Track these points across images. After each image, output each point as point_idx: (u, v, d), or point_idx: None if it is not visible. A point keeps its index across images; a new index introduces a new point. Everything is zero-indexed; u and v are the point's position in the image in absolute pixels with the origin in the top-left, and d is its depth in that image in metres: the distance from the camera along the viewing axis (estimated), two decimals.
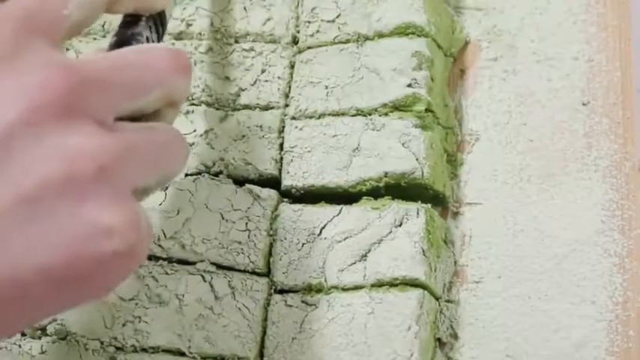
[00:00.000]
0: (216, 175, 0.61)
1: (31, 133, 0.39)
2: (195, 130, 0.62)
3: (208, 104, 0.63)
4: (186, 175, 0.61)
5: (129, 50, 0.46)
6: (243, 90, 0.63)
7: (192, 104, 0.63)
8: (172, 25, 0.66)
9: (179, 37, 0.66)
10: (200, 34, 0.65)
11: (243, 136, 0.62)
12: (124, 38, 0.49)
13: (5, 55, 0.40)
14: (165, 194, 0.60)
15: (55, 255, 0.38)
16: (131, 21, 0.50)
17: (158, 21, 0.52)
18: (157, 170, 0.44)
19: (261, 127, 0.62)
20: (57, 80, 0.40)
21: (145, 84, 0.44)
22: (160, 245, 0.59)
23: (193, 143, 0.62)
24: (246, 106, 0.63)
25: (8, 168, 0.38)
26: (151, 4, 0.50)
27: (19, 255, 0.38)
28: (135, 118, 0.44)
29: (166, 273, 0.58)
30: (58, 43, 0.42)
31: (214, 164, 0.61)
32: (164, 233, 0.59)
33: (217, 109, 0.63)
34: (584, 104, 0.62)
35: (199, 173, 0.61)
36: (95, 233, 0.39)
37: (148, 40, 0.50)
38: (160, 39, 0.52)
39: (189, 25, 0.66)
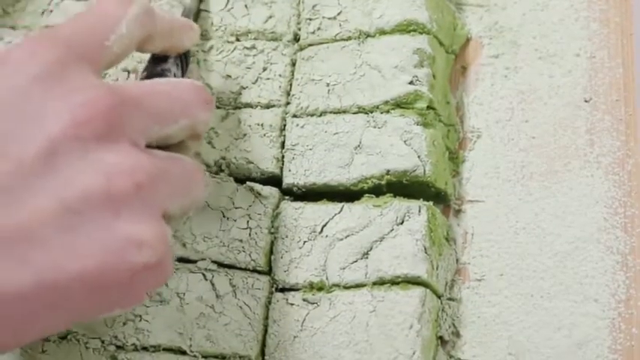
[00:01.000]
0: (217, 173, 0.61)
1: (75, 147, 0.42)
2: None
3: None
4: None
5: (160, 81, 0.50)
6: (244, 88, 0.63)
7: None
8: None
9: None
10: (202, 33, 0.65)
11: (245, 134, 0.61)
12: (154, 73, 0.54)
13: (53, 76, 0.43)
14: None
15: (92, 263, 0.41)
16: (160, 58, 0.54)
17: (184, 59, 0.57)
18: (183, 196, 0.47)
19: (262, 125, 0.61)
20: (100, 100, 0.43)
21: (174, 112, 0.48)
22: None
23: None
24: (248, 105, 0.63)
25: (53, 179, 0.41)
26: (179, 46, 0.55)
27: (58, 260, 0.40)
28: (161, 147, 0.47)
29: None
30: (98, 71, 0.46)
31: (215, 163, 0.61)
32: None
33: (218, 107, 0.63)
34: (586, 101, 0.62)
35: None
36: (128, 245, 0.42)
37: (175, 76, 0.54)
38: (183, 75, 0.57)
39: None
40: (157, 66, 0.54)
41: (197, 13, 0.65)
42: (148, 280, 0.44)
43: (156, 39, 0.51)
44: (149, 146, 0.46)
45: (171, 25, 0.53)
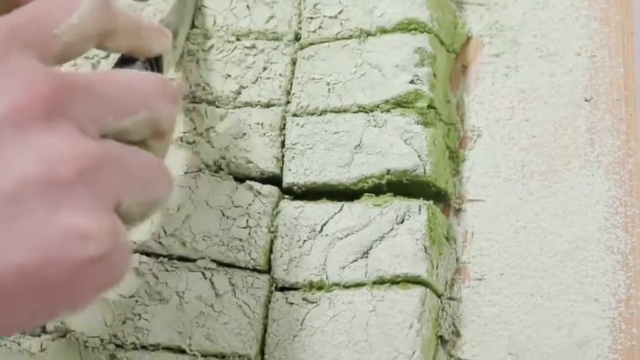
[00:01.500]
0: (217, 172, 0.61)
1: (12, 132, 0.38)
2: (195, 129, 0.62)
3: (209, 102, 0.63)
4: (186, 172, 0.61)
5: (117, 70, 0.46)
6: (244, 88, 0.63)
7: (194, 102, 0.63)
8: (172, 20, 0.66)
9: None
10: (203, 32, 0.65)
11: (244, 134, 0.61)
12: None
13: None
14: None
15: (31, 256, 0.37)
16: (127, 59, 0.51)
17: (154, 64, 0.52)
18: (140, 190, 0.44)
19: (262, 124, 0.61)
20: (41, 83, 0.40)
21: (132, 103, 0.44)
22: (160, 242, 0.58)
23: (194, 141, 0.61)
24: (248, 104, 0.63)
25: None
26: (146, 48, 0.51)
27: None
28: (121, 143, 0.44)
29: (166, 270, 0.58)
30: (47, 60, 0.43)
31: (215, 163, 0.61)
32: (164, 230, 0.59)
33: (218, 106, 0.63)
34: (586, 100, 0.62)
35: (200, 171, 0.61)
36: (70, 237, 0.38)
37: None
38: None
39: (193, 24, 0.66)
40: (123, 67, 0.51)
41: (176, 32, 0.62)
42: (96, 278, 0.40)
43: (118, 36, 0.48)
44: (105, 138, 0.43)
45: (138, 25, 0.50)
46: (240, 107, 0.63)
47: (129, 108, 0.44)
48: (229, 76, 0.64)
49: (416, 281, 0.55)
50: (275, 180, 0.60)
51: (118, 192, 0.41)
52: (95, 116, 0.42)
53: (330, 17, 0.64)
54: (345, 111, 0.61)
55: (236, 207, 0.59)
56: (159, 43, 0.52)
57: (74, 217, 0.38)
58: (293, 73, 0.63)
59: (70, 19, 0.44)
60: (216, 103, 0.63)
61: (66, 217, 0.38)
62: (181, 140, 0.62)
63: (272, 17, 0.65)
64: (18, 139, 0.38)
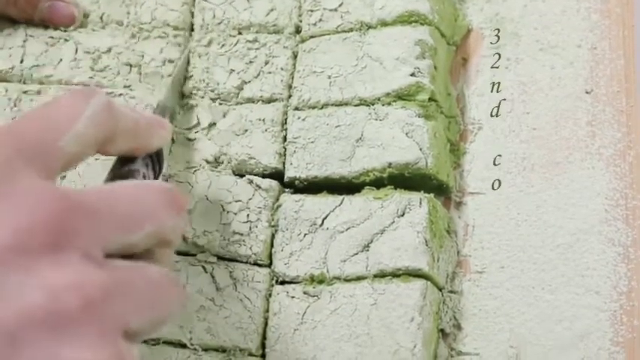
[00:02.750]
0: (216, 167, 0.61)
1: (16, 260, 0.37)
2: (198, 125, 0.62)
3: (212, 98, 0.63)
4: (186, 168, 0.61)
5: (122, 184, 0.45)
6: (246, 83, 0.63)
7: (196, 98, 0.63)
8: (172, 17, 0.66)
9: (181, 29, 0.66)
10: (203, 26, 0.65)
11: (246, 130, 0.61)
12: (120, 174, 0.48)
13: None
14: None
15: None
16: (126, 158, 0.49)
17: (155, 158, 0.51)
18: (149, 310, 0.42)
19: (264, 120, 0.61)
20: (47, 207, 0.38)
21: (138, 219, 0.42)
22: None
23: (195, 139, 0.61)
24: (250, 99, 0.63)
25: None
26: (147, 145, 0.50)
27: None
28: (126, 257, 0.42)
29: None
30: (51, 174, 0.42)
31: (217, 159, 0.60)
32: None
33: (221, 103, 0.63)
34: (587, 93, 0.62)
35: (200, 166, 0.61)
36: None
37: (144, 177, 0.49)
38: (156, 177, 0.52)
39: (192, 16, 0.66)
40: (123, 166, 0.49)
41: (173, 114, 0.61)
42: None
43: (118, 139, 0.46)
44: (110, 255, 0.41)
45: (137, 124, 0.48)
46: (242, 103, 0.63)
47: (135, 224, 0.42)
48: (233, 70, 0.63)
49: (417, 274, 0.55)
50: (278, 175, 0.60)
51: (125, 318, 0.39)
52: (101, 237, 0.40)
53: (331, 10, 0.64)
54: (346, 104, 0.61)
55: (236, 201, 0.59)
56: (159, 139, 0.50)
57: (79, 352, 0.36)
58: (294, 67, 0.63)
59: (74, 129, 0.43)
60: (219, 99, 0.63)
61: (70, 353, 0.36)
62: (184, 137, 0.62)
63: (272, 10, 0.65)
64: (21, 269, 0.37)
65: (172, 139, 0.61)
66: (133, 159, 0.49)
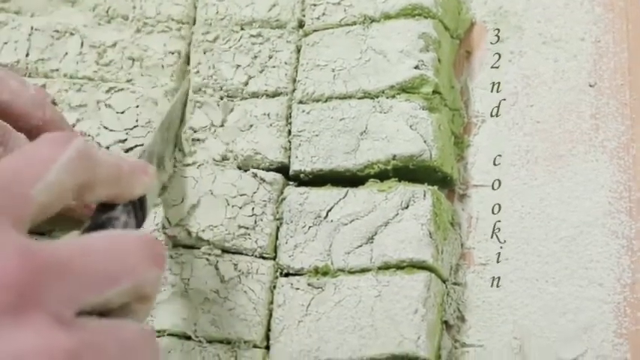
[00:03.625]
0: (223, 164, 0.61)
1: None
2: (212, 125, 0.62)
3: (221, 95, 0.63)
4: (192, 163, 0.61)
5: (97, 236, 0.42)
6: (252, 77, 0.63)
7: (203, 94, 0.63)
8: (177, 11, 0.66)
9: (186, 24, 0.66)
10: (206, 20, 0.65)
11: (251, 125, 0.61)
12: (98, 223, 0.46)
13: None
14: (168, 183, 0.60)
15: None
16: (106, 205, 0.46)
17: (138, 205, 0.49)
18: None
19: (268, 115, 0.61)
20: (13, 266, 0.36)
21: (112, 275, 0.40)
22: (165, 233, 0.58)
23: (205, 138, 0.61)
24: (254, 94, 0.63)
25: None
26: (129, 192, 0.47)
27: None
28: (100, 312, 0.40)
29: (171, 257, 0.58)
30: (22, 224, 0.39)
31: (223, 157, 0.61)
32: (169, 221, 0.59)
33: (229, 99, 0.63)
34: (591, 85, 0.62)
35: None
36: None
37: (125, 226, 0.46)
38: (139, 224, 0.49)
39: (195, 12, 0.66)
40: (102, 214, 0.46)
41: (162, 158, 0.59)
42: None
43: (96, 187, 0.43)
44: (83, 312, 0.39)
45: (118, 171, 0.45)
46: (247, 98, 0.63)
47: (110, 280, 0.40)
48: (239, 66, 0.63)
49: (421, 266, 0.55)
50: (284, 170, 0.60)
51: None
52: (72, 297, 0.38)
53: (334, 4, 0.64)
54: (350, 97, 0.61)
55: (241, 195, 0.59)
56: (141, 185, 0.47)
57: None
58: (298, 61, 0.63)
59: (47, 176, 0.40)
60: (225, 95, 0.63)
61: None
62: (194, 133, 0.62)
63: (274, 5, 0.65)
64: None
65: (164, 186, 0.60)
66: (113, 206, 0.46)
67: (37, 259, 0.36)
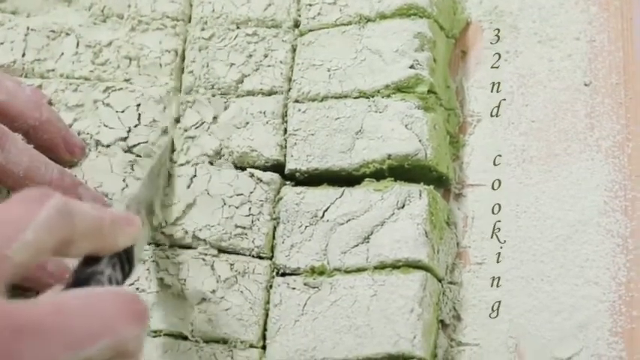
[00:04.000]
0: (217, 160, 0.61)
1: None
2: (202, 122, 0.62)
3: (213, 93, 0.63)
4: (187, 162, 0.61)
5: (75, 294, 0.41)
6: (246, 76, 0.63)
7: (196, 93, 0.63)
8: (172, 9, 0.66)
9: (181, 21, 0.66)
10: (202, 18, 0.65)
11: (247, 123, 0.61)
12: (81, 278, 0.44)
13: None
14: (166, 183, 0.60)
15: None
16: (91, 258, 0.45)
17: (124, 257, 0.48)
18: None
19: (264, 113, 0.61)
20: None
21: (91, 333, 0.39)
22: (162, 232, 0.58)
23: (197, 136, 0.61)
24: (250, 92, 0.63)
25: None
26: (112, 245, 0.46)
27: None
28: None
29: (167, 257, 0.58)
30: None
31: (217, 154, 0.61)
32: (166, 221, 0.59)
33: (221, 97, 0.63)
34: (586, 85, 0.62)
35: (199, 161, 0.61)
36: None
37: (110, 280, 0.46)
38: (126, 276, 0.48)
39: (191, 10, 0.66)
40: (86, 267, 0.45)
41: (150, 205, 0.58)
42: None
43: (77, 242, 0.43)
44: None
45: (100, 224, 0.44)
46: (242, 96, 0.63)
47: (89, 339, 0.39)
48: (233, 64, 0.63)
49: (417, 266, 0.55)
50: (279, 168, 0.60)
51: None
52: (49, 358, 0.37)
53: (329, 3, 0.64)
54: (345, 96, 0.61)
55: (238, 195, 0.59)
56: (126, 238, 0.47)
57: None
58: (293, 60, 0.63)
59: (24, 236, 0.39)
60: (219, 93, 0.63)
61: None
62: (185, 132, 0.62)
63: (270, 5, 0.65)
64: None
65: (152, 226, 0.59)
66: (98, 259, 0.45)
67: (13, 320, 0.36)
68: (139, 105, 0.62)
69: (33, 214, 0.40)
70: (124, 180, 0.60)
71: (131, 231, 0.47)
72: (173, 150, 0.62)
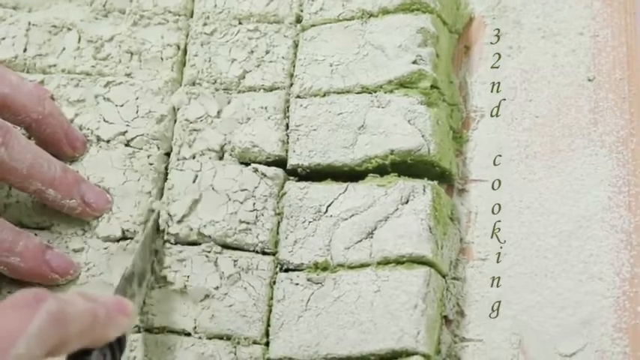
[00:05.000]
0: (222, 157, 0.61)
1: None
2: (206, 115, 0.61)
3: (216, 88, 0.63)
4: (192, 157, 0.61)
5: None
6: (248, 72, 0.63)
7: (199, 88, 0.63)
8: (174, 3, 0.66)
9: (182, 16, 0.66)
10: (204, 13, 0.65)
11: (249, 118, 0.61)
12: None
13: None
14: (169, 178, 0.60)
15: None
16: (82, 349, 0.45)
17: (116, 346, 0.48)
18: None
19: (266, 108, 0.61)
20: None
21: None
22: (168, 232, 0.58)
23: (201, 129, 0.61)
24: (251, 88, 0.63)
25: None
26: (105, 337, 0.46)
27: None
28: None
29: (171, 254, 0.58)
30: None
31: (221, 148, 0.60)
32: (171, 217, 0.58)
33: (223, 91, 0.62)
34: (589, 80, 0.62)
35: (203, 154, 0.61)
36: None
37: None
38: None
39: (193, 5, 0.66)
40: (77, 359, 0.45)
41: (144, 273, 0.57)
42: None
43: (70, 343, 0.43)
44: None
45: (93, 320, 0.44)
46: (244, 92, 0.63)
47: None
48: (235, 60, 0.63)
49: (420, 261, 0.55)
50: (281, 163, 0.60)
51: None
52: None
53: None
54: (348, 92, 0.61)
55: (242, 190, 0.59)
56: (118, 328, 0.47)
57: None
58: (295, 56, 0.63)
59: (16, 350, 0.39)
60: (221, 88, 0.63)
61: None
62: (189, 124, 0.62)
63: (272, 0, 0.65)
64: None
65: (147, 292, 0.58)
66: (89, 351, 0.45)
67: None
68: (137, 98, 0.62)
69: (25, 323, 0.40)
70: (124, 174, 0.60)
71: (124, 321, 0.47)
72: (159, 229, 0.60)
